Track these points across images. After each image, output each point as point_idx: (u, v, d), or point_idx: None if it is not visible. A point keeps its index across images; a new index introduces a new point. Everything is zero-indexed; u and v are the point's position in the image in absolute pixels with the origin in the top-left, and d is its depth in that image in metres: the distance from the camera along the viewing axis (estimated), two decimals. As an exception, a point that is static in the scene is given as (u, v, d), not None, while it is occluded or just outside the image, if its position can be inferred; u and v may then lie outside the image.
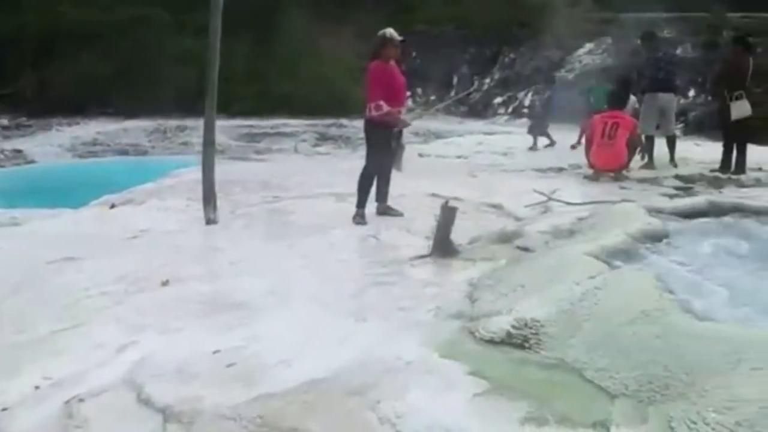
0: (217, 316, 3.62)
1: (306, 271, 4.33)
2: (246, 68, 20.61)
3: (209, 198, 5.95)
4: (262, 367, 2.97)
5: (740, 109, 8.20)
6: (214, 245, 5.31)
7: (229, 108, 19.68)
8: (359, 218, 5.70)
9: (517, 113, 21.16)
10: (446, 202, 4.66)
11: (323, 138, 18.36)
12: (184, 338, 3.35)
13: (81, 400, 2.82)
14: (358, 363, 2.93)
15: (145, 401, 2.78)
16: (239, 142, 17.64)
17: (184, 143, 16.87)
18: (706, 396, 2.42)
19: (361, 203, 5.77)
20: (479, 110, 22.25)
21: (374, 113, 5.67)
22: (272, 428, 2.45)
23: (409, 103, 26.81)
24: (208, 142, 6.11)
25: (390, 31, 5.82)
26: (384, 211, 5.95)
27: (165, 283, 4.21)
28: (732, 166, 8.47)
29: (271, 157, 14.26)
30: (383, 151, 5.78)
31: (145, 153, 16.58)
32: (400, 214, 5.91)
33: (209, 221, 5.90)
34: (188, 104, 15.85)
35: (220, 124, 17.17)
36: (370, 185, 5.81)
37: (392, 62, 5.82)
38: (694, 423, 2.31)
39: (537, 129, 11.82)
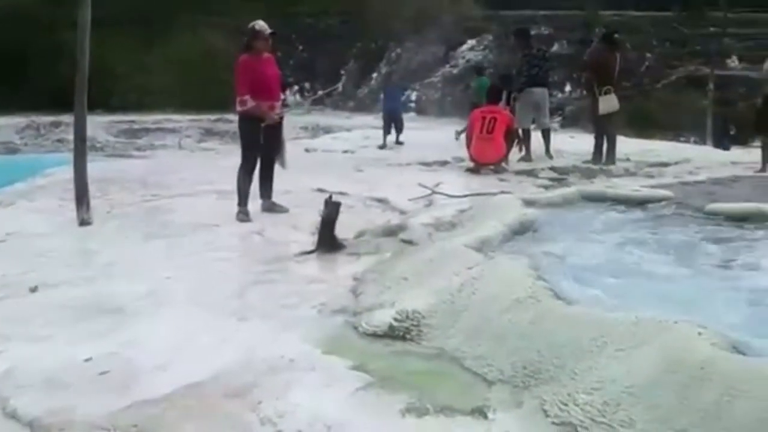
0: (90, 322, 3.43)
1: (185, 271, 4.20)
2: (128, 62, 19.75)
3: (82, 198, 5.65)
4: (138, 373, 2.85)
5: (608, 103, 8.70)
6: (88, 247, 5.05)
7: (109, 103, 18.83)
8: (242, 215, 5.59)
9: (404, 107, 21.44)
10: (330, 197, 4.66)
11: (209, 133, 17.85)
12: (54, 346, 3.15)
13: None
14: (239, 364, 2.87)
15: (10, 414, 2.60)
16: (119, 138, 16.86)
17: (59, 140, 15.91)
18: (576, 378, 2.55)
19: (242, 200, 5.66)
20: (367, 104, 22.38)
21: (239, 108, 5.57)
22: (148, 436, 2.36)
23: (297, 97, 26.78)
24: (79, 139, 5.79)
25: (260, 24, 5.70)
26: (269, 207, 5.87)
27: (33, 290, 3.96)
28: (603, 158, 8.97)
29: (154, 154, 13.72)
30: (254, 146, 5.67)
31: (15, 151, 15.52)
32: (285, 210, 5.85)
33: (83, 222, 5.60)
34: (64, 99, 14.97)
35: (99, 120, 16.50)
36: (248, 181, 5.70)
37: (265, 55, 5.69)
38: (565, 404, 2.43)
39: (386, 126, 11.87)
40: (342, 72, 26.85)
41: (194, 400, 2.58)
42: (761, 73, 8.51)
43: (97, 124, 16.14)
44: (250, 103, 5.49)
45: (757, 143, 9.51)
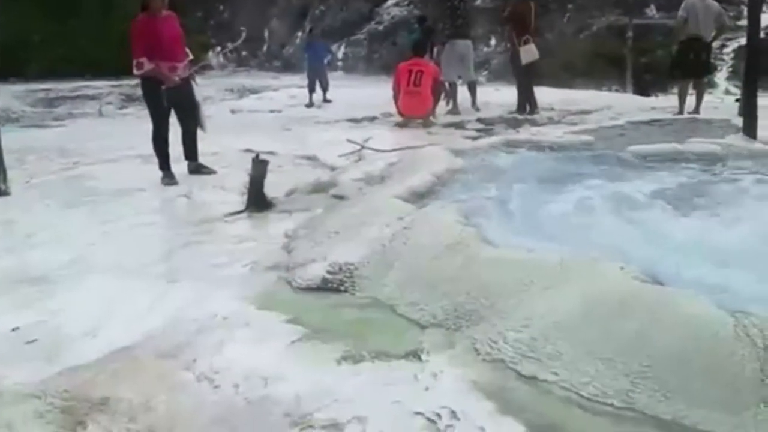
0: (14, 293, 3.32)
1: (111, 237, 4.08)
2: (42, 30, 18.71)
3: (-3, 168, 5.40)
4: (66, 340, 2.79)
5: (529, 53, 8.84)
6: (7, 218, 4.83)
7: (25, 71, 17.87)
8: (167, 179, 5.45)
9: (332, 65, 21.19)
10: (257, 156, 4.59)
11: (130, 99, 17.11)
12: (-23, 320, 3.04)
13: None
14: (171, 325, 2.84)
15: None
16: (36, 108, 16.01)
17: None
18: (505, 317, 2.62)
19: (163, 164, 5.51)
20: (293, 64, 22.00)
21: (135, 71, 5.35)
22: (81, 401, 2.31)
23: (220, 58, 26.06)
24: (-10, 108, 5.50)
25: None
26: (195, 169, 5.74)
27: (-49, 264, 3.79)
28: (527, 108, 9.13)
29: (73, 122, 13.14)
30: (159, 110, 5.46)
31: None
32: (213, 172, 5.73)
33: (0, 193, 5.37)
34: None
35: (14, 89, 15.63)
36: (162, 145, 5.51)
37: (164, 14, 5.41)
38: (495, 342, 2.50)
39: (311, 84, 11.68)
40: (266, 31, 26.31)
41: (126, 363, 2.54)
42: (677, 20, 8.75)
43: (12, 94, 15.36)
44: (147, 66, 5.25)
45: (675, 89, 9.84)
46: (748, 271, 2.98)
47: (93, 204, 4.92)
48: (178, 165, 5.68)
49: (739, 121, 6.32)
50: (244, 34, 25.30)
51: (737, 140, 5.55)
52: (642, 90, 13.60)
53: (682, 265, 3.09)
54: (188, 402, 2.29)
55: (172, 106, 5.52)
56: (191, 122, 5.68)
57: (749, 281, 2.88)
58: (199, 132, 5.79)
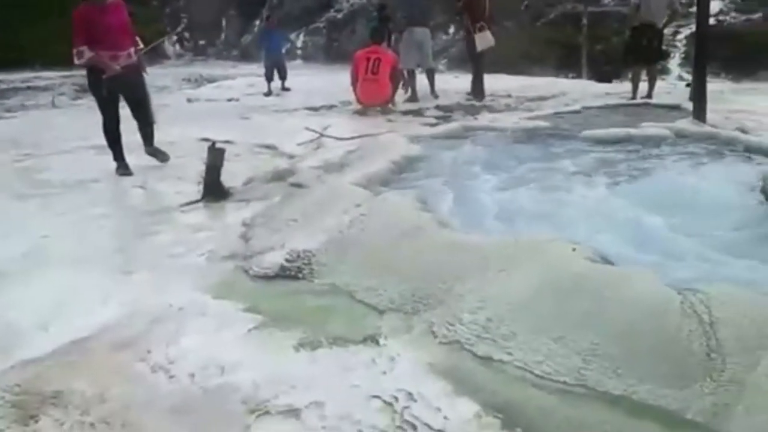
0: (-38, 288, 3.24)
1: (64, 229, 3.99)
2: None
3: (-57, 161, 5.24)
4: (19, 334, 2.73)
5: (484, 40, 8.89)
6: (-46, 212, 4.70)
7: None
8: (122, 170, 5.34)
9: (290, 54, 21.00)
10: (213, 144, 4.54)
11: (83, 90, 16.72)
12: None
13: None
14: (126, 316, 2.80)
15: None
16: (-15, 100, 15.60)
17: None
18: (461, 300, 2.66)
19: (116, 155, 5.39)
20: (252, 53, 21.72)
21: (76, 61, 5.22)
22: (33, 395, 2.27)
23: (177, 48, 25.64)
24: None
25: None
26: (152, 152, 5.61)
27: None
28: (483, 94, 9.21)
29: (26, 114, 12.79)
30: (102, 99, 5.30)
31: None
32: (167, 158, 5.62)
33: (-53, 186, 5.21)
34: None
35: (-39, 82, 15.12)
36: (114, 135, 5.37)
37: (108, 2, 5.21)
38: (452, 325, 2.54)
39: (269, 73, 11.54)
40: (223, 20, 25.93)
41: (80, 356, 2.51)
42: (630, 7, 8.87)
43: (-41, 87, 14.91)
44: (87, 54, 5.11)
45: (629, 75, 9.99)
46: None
47: (46, 196, 4.80)
48: (134, 155, 5.57)
49: (689, 106, 6.46)
50: (200, 23, 24.87)
51: (687, 124, 5.68)
52: (598, 76, 13.78)
53: (634, 244, 3.19)
54: (143, 393, 2.28)
55: (122, 95, 5.40)
56: (142, 112, 5.55)
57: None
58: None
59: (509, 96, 9.51)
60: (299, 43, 22.85)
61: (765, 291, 2.35)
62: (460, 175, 4.38)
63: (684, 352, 2.17)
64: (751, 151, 4.99)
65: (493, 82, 10.11)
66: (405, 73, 9.21)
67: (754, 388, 2.02)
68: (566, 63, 15.26)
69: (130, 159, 5.48)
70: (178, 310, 2.83)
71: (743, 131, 5.66)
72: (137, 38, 5.57)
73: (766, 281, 2.72)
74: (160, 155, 5.62)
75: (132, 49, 5.38)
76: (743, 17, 15.23)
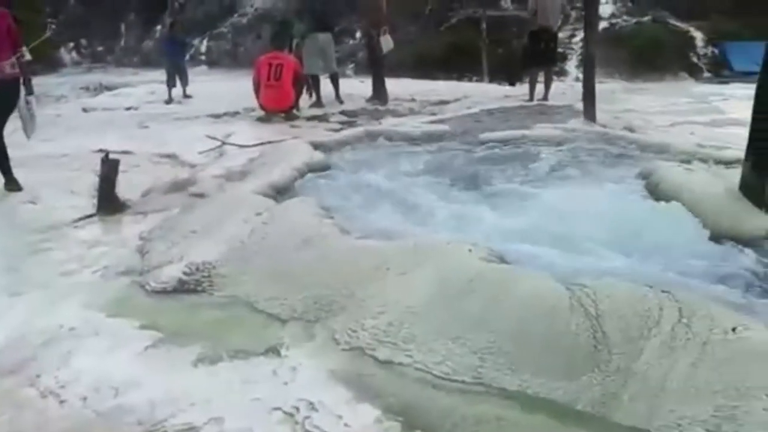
0: None
1: (-58, 251, 3.76)
2: None
3: None
4: None
5: (388, 43, 9.01)
6: None
7: None
8: (10, 185, 5.05)
9: (195, 60, 20.54)
10: (106, 155, 4.38)
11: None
12: None
13: None
14: (13, 340, 2.67)
15: None
16: None
17: None
18: (362, 305, 2.67)
19: (3, 170, 5.08)
20: (153, 59, 21.10)
21: None
22: None
23: (74, 55, 24.60)
24: None
25: None
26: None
27: None
28: (387, 98, 9.32)
29: None
30: None
31: None
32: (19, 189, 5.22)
33: None
34: None
35: None
36: None
37: None
38: (354, 331, 2.54)
39: (170, 80, 11.27)
40: (122, 26, 25.08)
41: (-39, 385, 2.36)
42: (528, 12, 9.18)
43: None
44: None
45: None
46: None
47: None
48: (25, 169, 5.27)
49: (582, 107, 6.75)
50: (98, 30, 23.97)
51: (578, 124, 5.94)
52: (500, 80, 14.18)
53: (533, 242, 3.29)
54: (32, 419, 2.18)
55: None
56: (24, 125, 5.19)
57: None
58: (24, 137, 5.30)
59: (413, 100, 9.65)
60: (203, 49, 22.38)
61: (645, 282, 2.47)
62: (363, 179, 4.40)
63: (573, 346, 2.26)
64: (637, 148, 5.27)
65: (397, 86, 10.23)
66: (309, 78, 9.19)
67: (637, 377, 2.13)
68: (468, 67, 15.61)
69: (19, 173, 5.19)
70: (70, 331, 2.71)
71: (631, 130, 5.97)
72: (23, 48, 5.27)
73: (646, 273, 2.87)
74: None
75: (13, 59, 5.07)
76: (633, 20, 16.04)
